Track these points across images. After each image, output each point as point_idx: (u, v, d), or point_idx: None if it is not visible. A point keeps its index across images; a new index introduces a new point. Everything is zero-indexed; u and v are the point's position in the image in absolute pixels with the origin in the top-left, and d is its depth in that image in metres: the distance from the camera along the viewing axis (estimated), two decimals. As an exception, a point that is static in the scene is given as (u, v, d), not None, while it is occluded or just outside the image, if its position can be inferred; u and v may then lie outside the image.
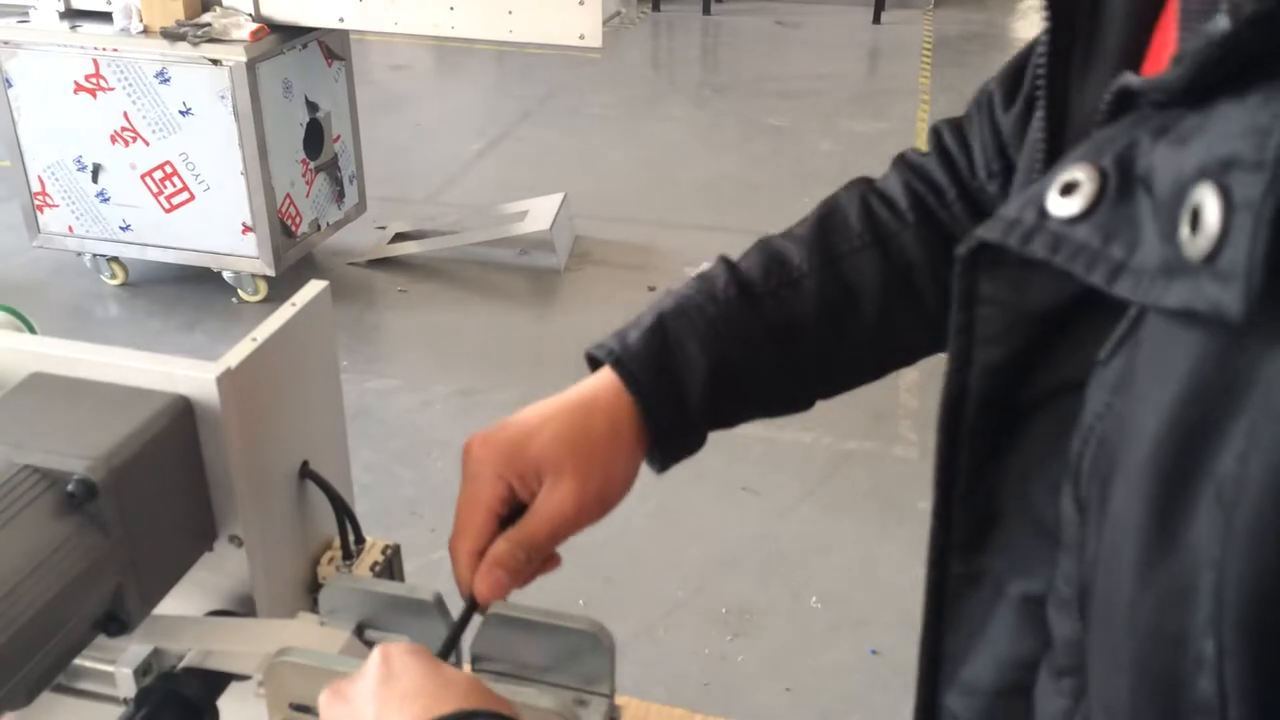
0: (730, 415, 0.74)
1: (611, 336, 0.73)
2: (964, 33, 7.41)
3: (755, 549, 2.65)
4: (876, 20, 7.75)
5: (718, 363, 0.71)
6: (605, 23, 3.25)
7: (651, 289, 3.86)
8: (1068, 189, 0.38)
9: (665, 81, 6.75)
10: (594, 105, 5.95)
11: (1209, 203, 0.32)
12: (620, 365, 0.70)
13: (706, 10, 7.89)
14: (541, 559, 0.68)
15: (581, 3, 3.10)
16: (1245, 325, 0.31)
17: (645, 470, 0.74)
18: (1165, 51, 0.45)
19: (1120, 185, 0.37)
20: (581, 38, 3.13)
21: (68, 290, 3.84)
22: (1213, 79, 0.34)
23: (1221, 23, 0.33)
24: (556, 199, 4.12)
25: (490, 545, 0.67)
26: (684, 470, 0.76)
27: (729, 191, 4.76)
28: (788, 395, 0.76)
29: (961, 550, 0.51)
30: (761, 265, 0.74)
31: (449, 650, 0.65)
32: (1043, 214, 0.39)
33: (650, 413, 0.70)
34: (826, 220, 0.75)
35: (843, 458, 2.98)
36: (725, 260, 0.75)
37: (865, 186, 0.78)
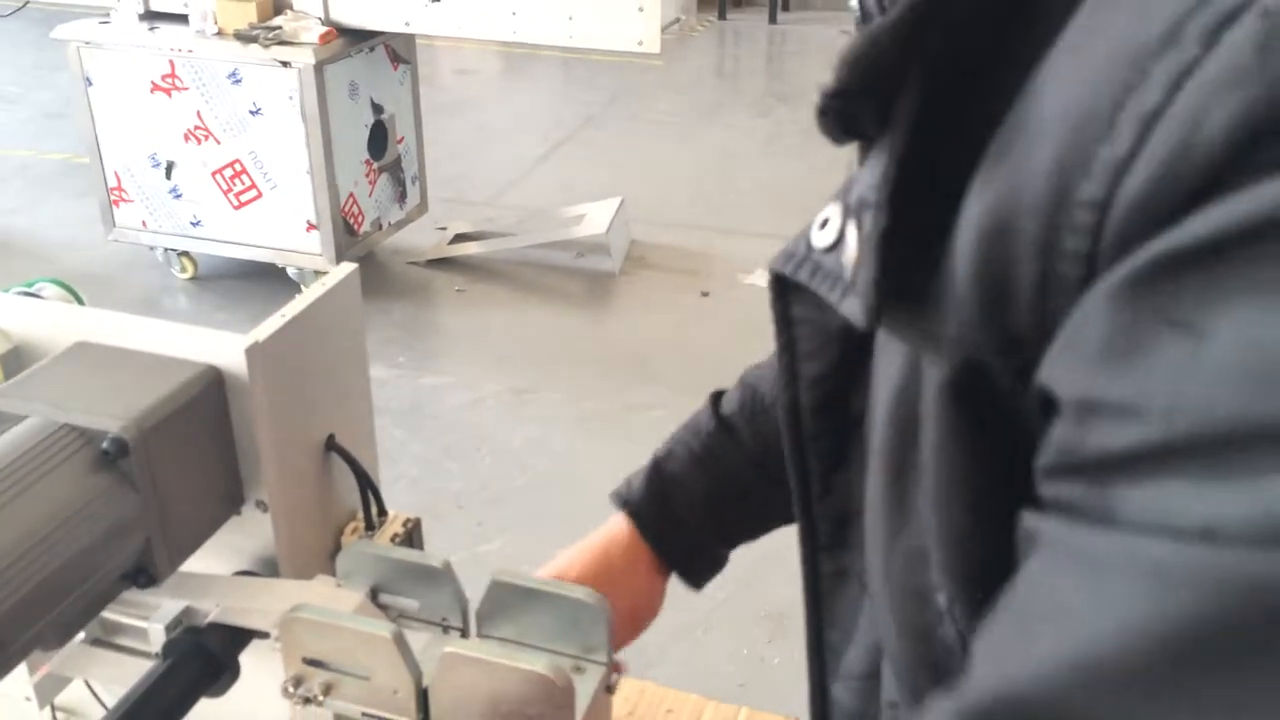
0: (737, 534, 0.83)
1: (623, 482, 0.83)
2: (1033, 44, 7.32)
3: (794, 553, 2.65)
4: (944, 31, 7.68)
5: (709, 492, 0.79)
6: (665, 29, 3.28)
7: (705, 295, 3.88)
8: (824, 224, 0.43)
9: (729, 89, 6.77)
10: (657, 111, 5.99)
11: (850, 234, 0.39)
12: (627, 506, 0.80)
13: (773, 19, 7.89)
14: None
15: (641, 9, 3.14)
16: (891, 329, 0.38)
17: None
18: None
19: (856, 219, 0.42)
20: (640, 44, 3.17)
21: (140, 283, 3.97)
22: (828, 128, 0.39)
23: (816, 98, 0.38)
24: (614, 203, 4.16)
25: None
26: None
27: (788, 200, 4.76)
28: (784, 511, 0.82)
29: (827, 550, 0.56)
30: (738, 399, 0.82)
31: None
32: (809, 245, 0.44)
33: (659, 545, 0.79)
34: None
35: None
36: (712, 396, 0.84)
37: None
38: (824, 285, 0.42)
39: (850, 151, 0.45)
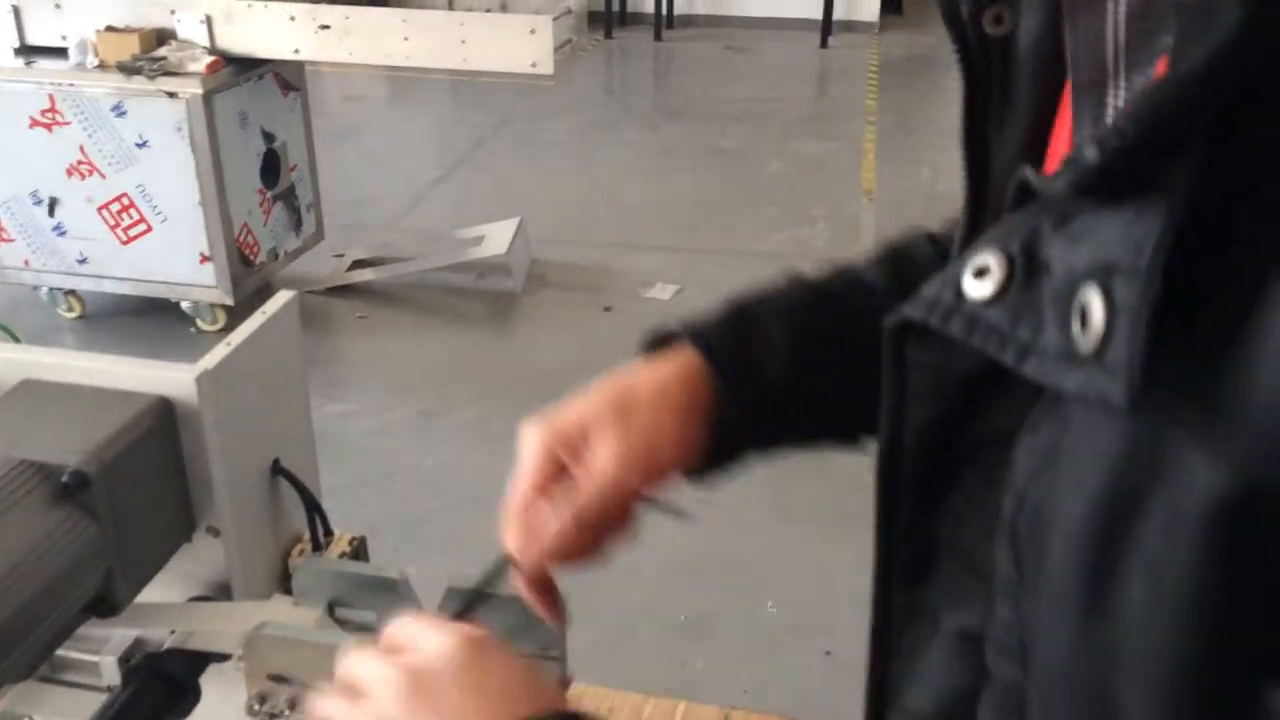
0: (805, 414, 0.71)
1: (674, 322, 0.70)
2: (910, 55, 7.59)
3: (713, 558, 2.72)
4: (824, 44, 7.91)
5: (799, 344, 0.69)
6: (557, 50, 3.33)
7: (607, 309, 3.93)
8: (980, 273, 0.40)
9: (618, 107, 6.86)
10: (548, 131, 6.04)
11: (1094, 303, 0.35)
12: (698, 338, 0.68)
13: (658, 37, 8.02)
14: (596, 530, 0.66)
15: (533, 31, 3.19)
16: (1140, 411, 0.34)
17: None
18: (1067, 129, 0.47)
19: (1026, 271, 0.39)
20: (533, 65, 3.22)
21: (25, 324, 3.83)
22: (1095, 188, 0.37)
23: (1090, 154, 0.35)
24: (513, 223, 4.19)
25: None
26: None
27: (682, 212, 4.85)
28: (866, 402, 0.61)
29: (902, 584, 0.54)
30: (833, 274, 0.74)
31: (469, 607, 0.67)
32: (959, 295, 0.41)
33: (730, 389, 0.67)
34: (897, 251, 0.75)
35: (796, 467, 3.05)
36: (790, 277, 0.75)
37: (927, 233, 0.76)
38: (990, 342, 0.39)
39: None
